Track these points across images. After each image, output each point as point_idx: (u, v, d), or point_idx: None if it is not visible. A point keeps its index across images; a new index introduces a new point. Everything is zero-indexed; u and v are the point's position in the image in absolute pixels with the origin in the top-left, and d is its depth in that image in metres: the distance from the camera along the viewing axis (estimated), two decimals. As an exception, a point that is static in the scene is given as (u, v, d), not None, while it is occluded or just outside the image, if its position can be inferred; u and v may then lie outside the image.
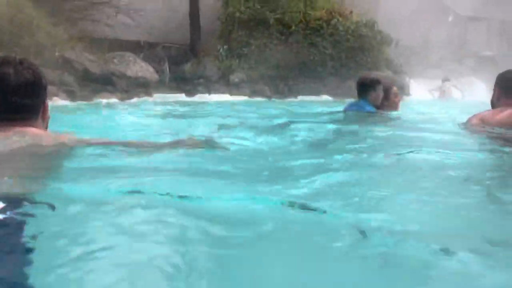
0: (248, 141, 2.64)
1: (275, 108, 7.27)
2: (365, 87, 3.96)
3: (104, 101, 7.77)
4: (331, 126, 3.54)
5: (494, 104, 2.79)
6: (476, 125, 2.66)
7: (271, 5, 11.61)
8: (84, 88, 7.95)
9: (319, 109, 6.07)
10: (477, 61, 20.41)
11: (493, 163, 2.08)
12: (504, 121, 2.46)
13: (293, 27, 11.49)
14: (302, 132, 3.22)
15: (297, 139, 2.88)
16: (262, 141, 2.74)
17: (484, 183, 1.68)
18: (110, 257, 0.94)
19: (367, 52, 12.20)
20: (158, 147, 1.92)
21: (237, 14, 11.34)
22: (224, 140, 2.40)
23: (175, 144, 1.93)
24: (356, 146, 2.60)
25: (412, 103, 9.34)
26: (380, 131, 3.18)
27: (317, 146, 2.78)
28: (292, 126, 3.52)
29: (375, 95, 3.93)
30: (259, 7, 11.34)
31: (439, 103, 11.39)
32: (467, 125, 2.77)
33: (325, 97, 11.48)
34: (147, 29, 11.10)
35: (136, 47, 10.63)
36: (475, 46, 23.39)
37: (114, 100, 8.10)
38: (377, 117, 3.87)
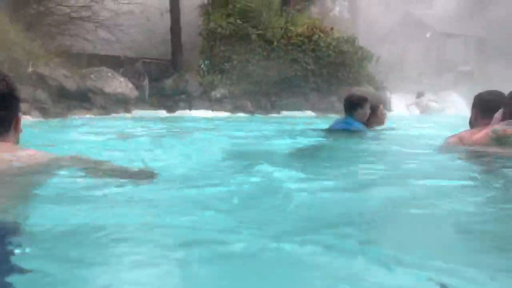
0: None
1: (256, 126, 7.13)
2: (352, 105, 3.94)
3: (77, 117, 7.51)
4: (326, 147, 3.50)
5: (472, 124, 2.87)
6: (454, 144, 2.77)
7: (253, 21, 11.61)
8: (58, 105, 7.70)
9: (303, 127, 5.92)
10: (456, 76, 20.86)
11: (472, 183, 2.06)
12: (480, 141, 2.53)
13: (275, 43, 11.49)
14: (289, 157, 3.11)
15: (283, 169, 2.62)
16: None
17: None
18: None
19: (348, 68, 12.27)
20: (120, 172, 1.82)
21: (219, 30, 11.29)
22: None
23: (131, 175, 1.83)
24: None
25: (394, 118, 9.37)
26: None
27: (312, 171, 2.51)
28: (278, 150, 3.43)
29: (362, 112, 3.93)
30: (240, 22, 11.32)
31: (422, 118, 11.43)
32: (445, 145, 2.85)
33: (308, 113, 11.47)
34: (128, 44, 10.95)
35: (116, 63, 10.45)
36: (453, 62, 23.98)
37: (89, 116, 7.86)
38: (366, 138, 3.87)
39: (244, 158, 3.02)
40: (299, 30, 11.86)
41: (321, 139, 3.94)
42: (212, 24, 11.38)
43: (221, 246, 1.14)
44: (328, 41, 12.06)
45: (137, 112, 9.09)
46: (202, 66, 11.55)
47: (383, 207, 1.56)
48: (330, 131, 4.05)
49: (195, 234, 1.23)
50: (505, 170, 2.16)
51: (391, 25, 24.21)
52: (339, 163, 2.80)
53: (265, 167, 2.15)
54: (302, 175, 2.09)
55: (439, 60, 24.36)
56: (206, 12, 11.83)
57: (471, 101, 3.00)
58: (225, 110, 10.50)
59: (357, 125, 3.90)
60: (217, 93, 10.73)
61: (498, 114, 2.57)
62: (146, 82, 10.06)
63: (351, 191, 1.86)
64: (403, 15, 24.91)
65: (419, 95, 15.01)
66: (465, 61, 24.56)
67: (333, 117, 10.92)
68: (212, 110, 10.34)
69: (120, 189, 1.63)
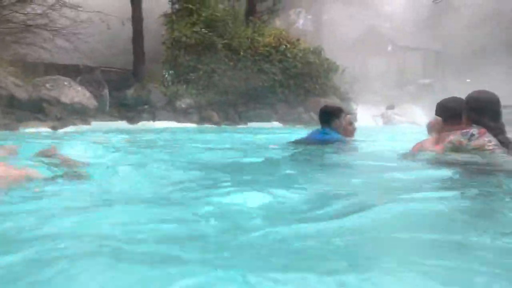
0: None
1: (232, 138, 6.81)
2: (329, 115, 3.94)
3: (30, 130, 6.90)
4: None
5: (430, 130, 2.99)
6: (417, 152, 2.88)
7: (219, 30, 11.38)
8: (8, 116, 7.05)
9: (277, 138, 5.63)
10: (417, 88, 21.45)
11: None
12: (439, 151, 2.66)
13: (242, 53, 11.30)
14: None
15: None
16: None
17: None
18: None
19: (315, 79, 12.25)
20: None
21: (184, 39, 10.97)
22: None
23: None
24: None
25: (360, 129, 9.33)
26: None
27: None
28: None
29: (338, 123, 3.94)
30: (206, 32, 11.05)
31: (390, 128, 11.44)
32: (410, 153, 2.92)
33: (275, 124, 11.30)
34: (88, 53, 10.40)
35: (75, 72, 9.87)
36: (413, 74, 24.72)
37: (44, 129, 7.25)
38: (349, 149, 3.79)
39: (212, 173, 2.66)
40: (266, 40, 11.74)
41: (302, 150, 3.71)
42: (176, 33, 11.05)
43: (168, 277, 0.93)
44: (295, 52, 12.01)
45: (96, 124, 8.55)
46: (166, 75, 11.18)
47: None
48: (308, 142, 3.90)
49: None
50: (459, 175, 2.24)
51: (353, 38, 24.69)
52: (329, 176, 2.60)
53: (236, 186, 1.91)
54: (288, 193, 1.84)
55: (400, 72, 25.03)
56: (170, 20, 11.50)
57: (431, 113, 3.12)
58: (191, 121, 10.14)
59: (336, 136, 3.87)
60: (182, 104, 10.36)
61: (434, 120, 2.91)
62: (105, 92, 9.53)
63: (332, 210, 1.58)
64: (365, 29, 25.49)
65: (390, 107, 15.17)
66: (425, 74, 25.37)
67: (301, 128, 10.83)
68: (177, 121, 9.96)
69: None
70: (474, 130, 2.47)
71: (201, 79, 11.03)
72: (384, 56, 25.64)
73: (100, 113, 9.05)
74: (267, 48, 11.64)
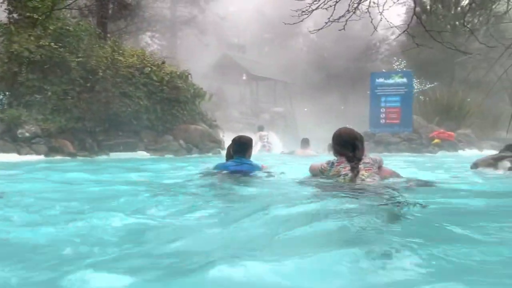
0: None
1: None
2: (245, 146, 4.02)
3: None
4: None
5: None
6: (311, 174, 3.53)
7: (71, 46, 9.77)
8: None
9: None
10: (271, 116, 22.46)
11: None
12: (316, 172, 3.43)
13: (100, 73, 9.86)
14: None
15: None
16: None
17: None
18: None
19: (183, 105, 11.50)
20: None
21: (26, 54, 9.07)
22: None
23: None
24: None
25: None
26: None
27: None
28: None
29: (251, 151, 4.09)
30: (55, 47, 9.34)
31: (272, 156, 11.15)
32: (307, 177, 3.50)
33: (142, 153, 10.12)
34: None
35: None
36: (267, 103, 25.98)
37: None
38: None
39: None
40: (129, 61, 10.56)
41: (239, 182, 3.53)
42: (16, 46, 9.08)
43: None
44: (161, 75, 11.10)
45: None
46: (1, 97, 9.07)
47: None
48: (233, 172, 3.86)
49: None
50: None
51: (209, 65, 24.84)
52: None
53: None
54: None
55: (254, 101, 26.02)
56: (7, 31, 9.45)
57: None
58: (38, 153, 8.28)
59: (257, 164, 4.05)
60: (25, 132, 8.41)
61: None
62: None
63: None
64: (220, 57, 25.92)
65: (260, 128, 14.76)
66: (276, 102, 26.92)
67: (171, 158, 9.89)
68: (19, 153, 8.01)
69: None
70: (335, 159, 3.29)
71: (49, 102, 9.22)
72: (239, 85, 26.40)
73: None
74: (130, 70, 10.46)
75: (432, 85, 18.32)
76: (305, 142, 11.18)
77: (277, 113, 23.43)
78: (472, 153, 13.31)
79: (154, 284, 1.20)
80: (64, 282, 1.17)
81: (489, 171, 4.40)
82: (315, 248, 1.46)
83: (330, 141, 3.52)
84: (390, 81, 14.63)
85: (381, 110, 14.64)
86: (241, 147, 3.99)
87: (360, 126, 19.40)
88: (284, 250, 1.48)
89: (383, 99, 14.63)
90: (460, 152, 13.72)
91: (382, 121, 14.61)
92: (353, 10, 6.10)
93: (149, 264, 1.39)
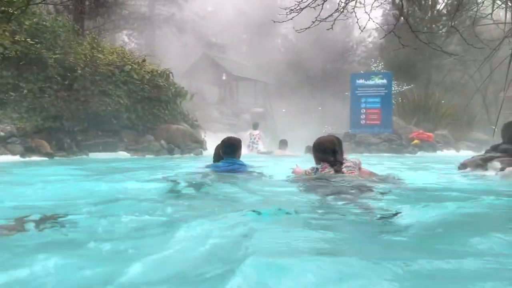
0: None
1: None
2: (234, 147, 4.03)
3: None
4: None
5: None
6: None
7: (48, 42, 9.42)
8: None
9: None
10: (252, 116, 22.30)
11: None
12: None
13: (79, 71, 9.55)
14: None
15: None
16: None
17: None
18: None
19: (164, 104, 11.28)
20: None
21: (0, 50, 8.68)
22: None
23: None
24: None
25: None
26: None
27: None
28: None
29: (241, 152, 4.11)
30: (32, 43, 8.99)
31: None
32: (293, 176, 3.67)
33: (122, 154, 9.86)
34: None
35: None
36: (247, 103, 25.84)
37: None
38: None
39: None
40: (109, 58, 10.27)
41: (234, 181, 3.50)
42: (-12, 42, 8.68)
43: None
44: (142, 74, 10.85)
45: None
46: (-27, 95, 8.67)
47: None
48: (228, 172, 3.85)
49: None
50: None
51: (189, 64, 24.54)
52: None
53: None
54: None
55: (234, 101, 25.86)
56: (-22, 25, 9.03)
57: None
58: (13, 153, 7.94)
59: (248, 164, 4.08)
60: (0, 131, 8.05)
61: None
62: None
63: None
64: (199, 57, 25.65)
65: (254, 126, 14.05)
66: (256, 103, 26.83)
67: (152, 158, 9.65)
68: (-7, 153, 7.66)
69: None
70: (318, 166, 3.46)
71: (25, 101, 8.86)
72: (219, 84, 26.19)
73: None
74: (110, 68, 10.17)
75: (409, 86, 18.61)
76: (283, 143, 11.23)
77: (257, 114, 23.33)
78: (450, 154, 13.58)
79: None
80: None
81: (480, 172, 4.40)
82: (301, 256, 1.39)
83: (308, 142, 3.79)
84: (370, 82, 14.78)
85: (362, 111, 14.77)
86: (230, 148, 3.99)
87: (338, 127, 19.58)
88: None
89: (363, 100, 14.77)
90: (439, 152, 13.98)
91: (363, 122, 14.75)
92: (342, 10, 6.07)
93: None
